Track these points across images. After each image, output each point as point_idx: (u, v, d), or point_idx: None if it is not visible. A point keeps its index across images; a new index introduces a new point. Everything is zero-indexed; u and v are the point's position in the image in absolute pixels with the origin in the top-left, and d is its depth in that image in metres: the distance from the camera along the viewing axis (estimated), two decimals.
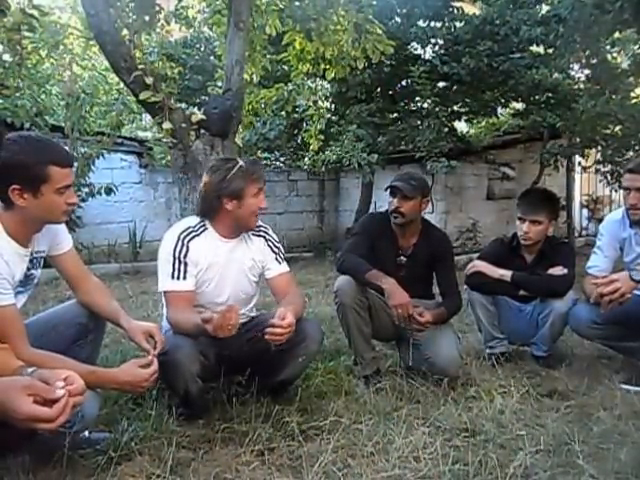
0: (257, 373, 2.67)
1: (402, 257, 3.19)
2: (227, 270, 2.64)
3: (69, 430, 2.05)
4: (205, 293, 2.61)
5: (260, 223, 2.79)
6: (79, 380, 1.40)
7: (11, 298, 1.98)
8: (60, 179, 2.02)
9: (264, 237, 2.78)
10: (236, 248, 2.67)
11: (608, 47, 7.30)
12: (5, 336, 1.89)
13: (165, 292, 2.55)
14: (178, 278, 2.52)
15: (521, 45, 8.00)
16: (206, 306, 2.60)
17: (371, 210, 8.82)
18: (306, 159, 9.84)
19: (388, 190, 3.15)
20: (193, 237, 2.58)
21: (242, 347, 2.31)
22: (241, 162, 2.60)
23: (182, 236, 2.57)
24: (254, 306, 2.86)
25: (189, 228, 2.61)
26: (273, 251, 2.77)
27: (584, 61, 7.74)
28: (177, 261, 2.52)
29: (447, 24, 8.70)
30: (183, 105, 8.36)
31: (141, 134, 10.32)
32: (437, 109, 8.11)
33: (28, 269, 2.15)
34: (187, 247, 2.55)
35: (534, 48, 8.30)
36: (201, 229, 2.62)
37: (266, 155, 10.68)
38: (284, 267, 2.79)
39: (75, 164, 7.32)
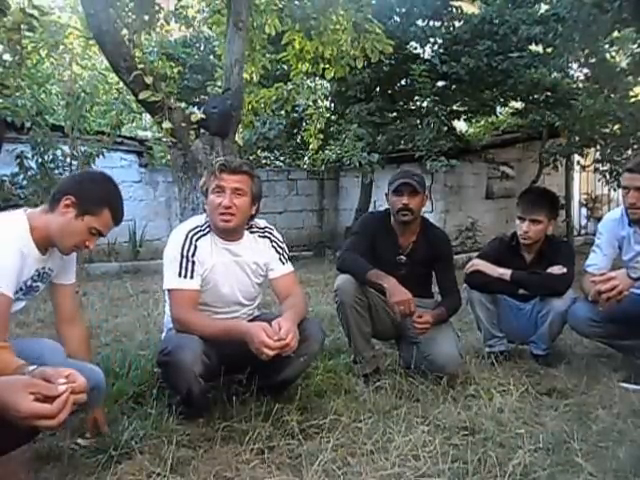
0: (258, 372, 2.67)
1: (402, 256, 3.20)
2: (231, 271, 2.64)
3: (84, 409, 2.10)
4: (208, 293, 2.60)
5: (265, 224, 2.79)
6: (81, 378, 1.40)
7: (9, 291, 1.98)
8: (103, 223, 2.19)
9: (269, 238, 2.77)
10: (240, 250, 2.67)
11: (607, 46, 7.30)
12: None
13: (170, 290, 2.53)
14: (185, 276, 2.50)
15: (520, 44, 8.01)
16: (208, 306, 2.62)
17: (370, 209, 8.83)
18: (306, 158, 9.87)
19: (392, 189, 3.14)
20: (201, 236, 2.58)
21: (243, 346, 2.31)
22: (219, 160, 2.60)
23: (190, 234, 2.56)
24: (257, 306, 2.87)
25: (197, 227, 2.60)
26: (277, 252, 2.76)
27: (583, 60, 7.76)
28: (185, 259, 2.51)
29: (446, 23, 8.73)
30: (183, 104, 8.36)
31: (141, 133, 10.36)
32: (436, 108, 8.12)
33: (34, 279, 2.18)
34: (195, 246, 2.54)
35: (533, 47, 8.32)
36: (207, 229, 2.62)
37: (266, 154, 10.71)
38: (287, 267, 2.78)
39: (75, 162, 7.34)
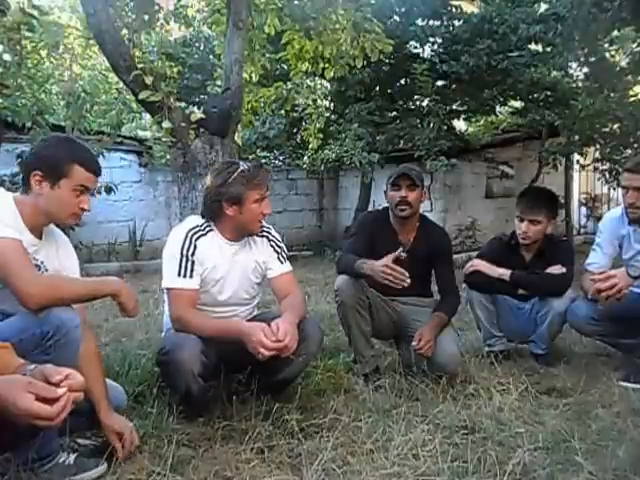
0: (257, 372, 2.67)
1: (402, 253, 3.20)
2: (231, 272, 2.63)
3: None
4: (208, 293, 2.60)
5: (263, 223, 2.79)
6: (79, 377, 1.41)
7: (14, 234, 1.98)
8: (80, 179, 2.11)
9: (267, 237, 2.76)
10: (241, 250, 2.67)
11: (607, 45, 7.31)
12: (9, 269, 1.92)
13: (169, 289, 2.52)
14: (185, 276, 2.50)
15: (520, 43, 8.02)
16: (207, 305, 2.62)
17: (370, 208, 8.84)
18: (305, 158, 9.86)
19: (390, 183, 3.14)
20: (200, 236, 2.57)
21: (242, 346, 2.31)
22: (243, 166, 2.55)
23: (190, 234, 2.56)
24: (256, 305, 2.87)
25: (196, 227, 2.60)
26: (275, 250, 2.76)
27: (583, 59, 7.76)
28: (184, 259, 2.50)
29: (446, 23, 8.73)
30: (182, 104, 8.37)
31: (141, 133, 10.36)
32: (436, 108, 8.13)
33: None
34: (195, 245, 2.54)
35: (533, 46, 8.33)
36: (207, 229, 2.61)
37: (265, 154, 10.71)
38: (286, 267, 2.78)
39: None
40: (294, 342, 2.32)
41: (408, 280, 2.75)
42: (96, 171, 2.18)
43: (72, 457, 2.02)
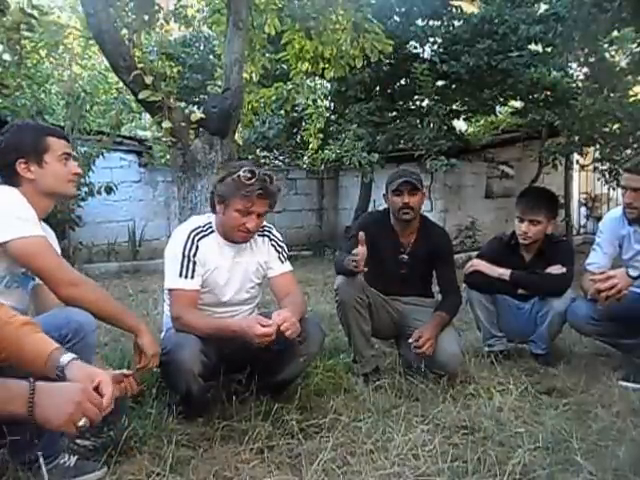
0: (257, 372, 2.67)
1: (404, 255, 3.19)
2: (232, 273, 2.64)
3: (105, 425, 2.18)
4: (209, 294, 2.61)
5: (264, 222, 2.78)
6: (109, 388, 1.45)
7: (39, 230, 2.04)
8: (59, 147, 2.20)
9: (268, 237, 2.76)
10: (242, 251, 2.67)
11: (606, 45, 7.29)
12: (47, 268, 2.01)
13: (171, 290, 2.53)
14: (186, 277, 2.51)
15: (520, 43, 8.01)
16: (208, 306, 2.62)
17: (370, 208, 8.84)
18: (305, 158, 9.86)
19: (392, 189, 3.12)
20: (202, 237, 2.58)
21: (243, 346, 2.31)
22: (244, 172, 2.46)
23: (192, 234, 2.56)
24: (256, 305, 2.87)
25: (199, 227, 2.60)
26: (276, 250, 2.76)
27: (583, 59, 7.74)
28: (186, 259, 2.51)
29: (446, 23, 8.72)
30: (182, 104, 8.38)
31: (140, 133, 10.36)
32: (436, 108, 8.13)
33: None
34: (197, 246, 2.54)
35: (533, 46, 8.31)
36: (209, 230, 2.61)
37: (265, 154, 10.70)
38: (286, 266, 2.78)
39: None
40: (297, 326, 2.34)
41: (363, 267, 2.78)
42: (66, 137, 2.30)
43: (73, 459, 2.02)
